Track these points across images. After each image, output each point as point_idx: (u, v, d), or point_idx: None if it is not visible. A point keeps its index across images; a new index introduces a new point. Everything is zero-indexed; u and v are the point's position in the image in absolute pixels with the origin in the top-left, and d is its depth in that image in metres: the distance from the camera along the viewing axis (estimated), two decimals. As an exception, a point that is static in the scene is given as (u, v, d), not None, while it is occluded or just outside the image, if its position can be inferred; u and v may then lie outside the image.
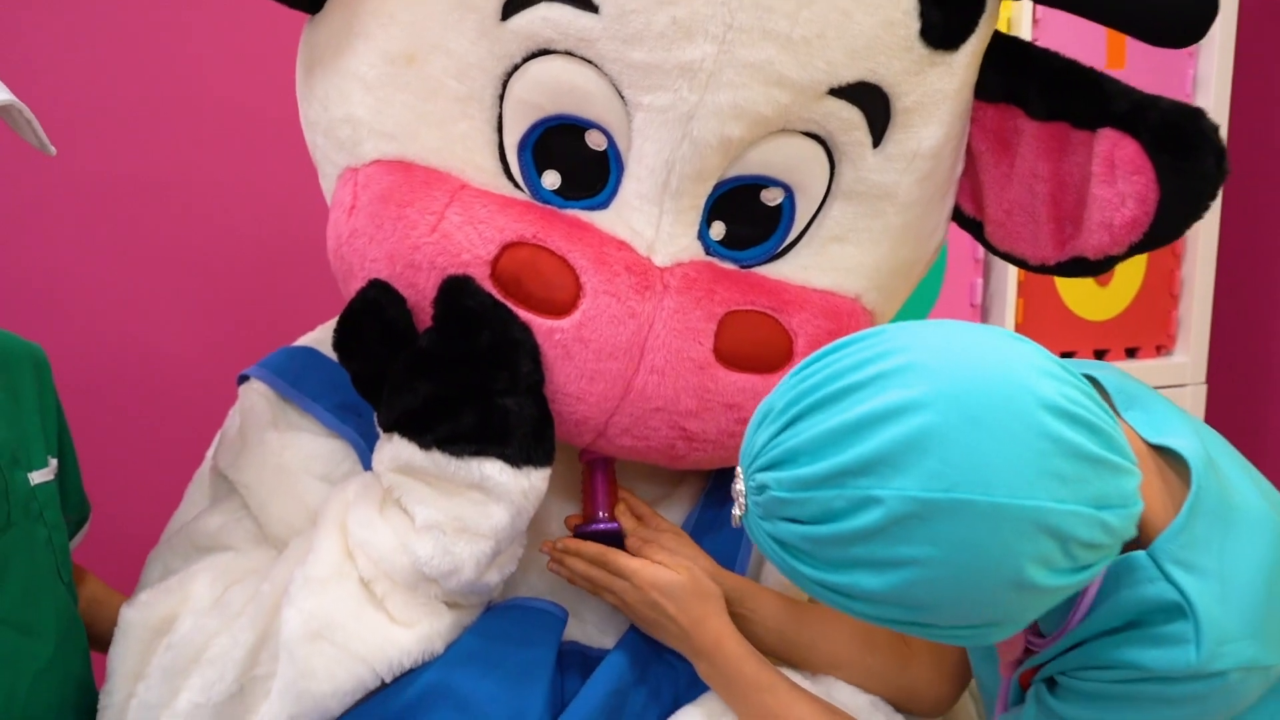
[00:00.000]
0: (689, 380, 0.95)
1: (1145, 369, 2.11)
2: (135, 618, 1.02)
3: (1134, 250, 1.01)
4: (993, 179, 1.09)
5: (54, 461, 1.06)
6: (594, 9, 0.90)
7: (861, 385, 0.70)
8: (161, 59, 1.56)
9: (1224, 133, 2.01)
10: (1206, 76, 2.10)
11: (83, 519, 1.16)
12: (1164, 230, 0.99)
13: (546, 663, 0.97)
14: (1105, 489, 0.71)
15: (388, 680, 0.94)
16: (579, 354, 0.94)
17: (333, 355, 1.03)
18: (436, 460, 0.93)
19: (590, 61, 0.93)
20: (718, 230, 0.99)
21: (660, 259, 0.96)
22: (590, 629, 1.05)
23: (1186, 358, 2.17)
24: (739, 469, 0.77)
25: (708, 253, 0.99)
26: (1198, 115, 0.97)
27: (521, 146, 0.97)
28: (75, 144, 1.52)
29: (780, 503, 0.72)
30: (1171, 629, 0.78)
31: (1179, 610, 0.78)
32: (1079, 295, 2.06)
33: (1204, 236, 2.12)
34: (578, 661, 1.01)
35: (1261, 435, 2.44)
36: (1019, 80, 1.05)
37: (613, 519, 1.02)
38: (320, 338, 1.15)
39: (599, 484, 1.03)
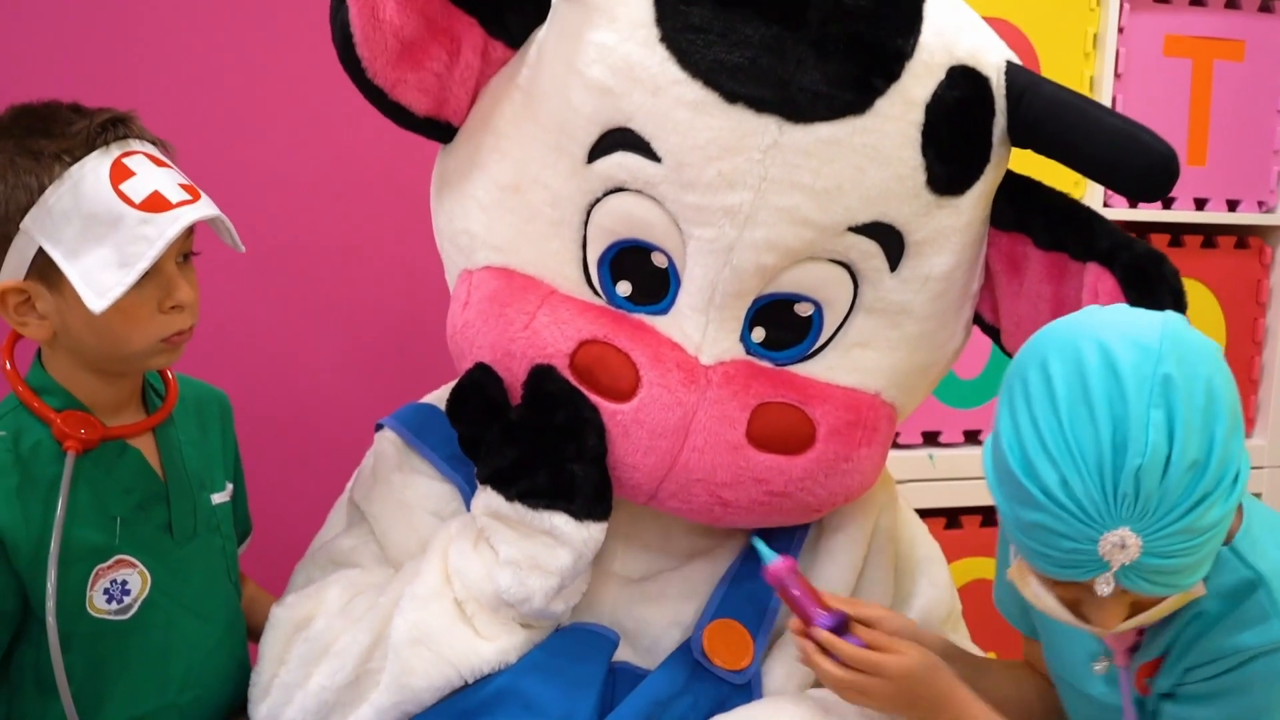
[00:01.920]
0: (725, 458, 1.12)
1: None
2: (282, 615, 1.22)
3: (1116, 367, 1.16)
4: (1005, 294, 1.23)
5: (230, 486, 1.28)
6: (658, 159, 1.08)
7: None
8: (332, 142, 1.79)
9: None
10: None
11: (246, 533, 1.37)
12: None
13: (598, 675, 1.15)
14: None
15: (470, 681, 1.12)
16: (636, 433, 1.12)
17: None
18: (517, 510, 1.12)
19: (655, 199, 1.11)
20: (758, 334, 1.16)
21: (706, 359, 1.13)
22: (642, 653, 1.21)
23: (1264, 441, 2.21)
24: (1120, 535, 0.84)
25: (748, 353, 1.15)
26: (1160, 260, 1.11)
27: (600, 262, 1.15)
28: (257, 217, 1.79)
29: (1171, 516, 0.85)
30: (1251, 604, 0.93)
31: (1253, 585, 0.93)
32: None
33: None
34: (629, 678, 1.17)
35: None
36: (1027, 213, 1.19)
37: (832, 610, 1.08)
38: (440, 396, 1.33)
39: (801, 587, 1.09)
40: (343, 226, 1.83)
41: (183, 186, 1.08)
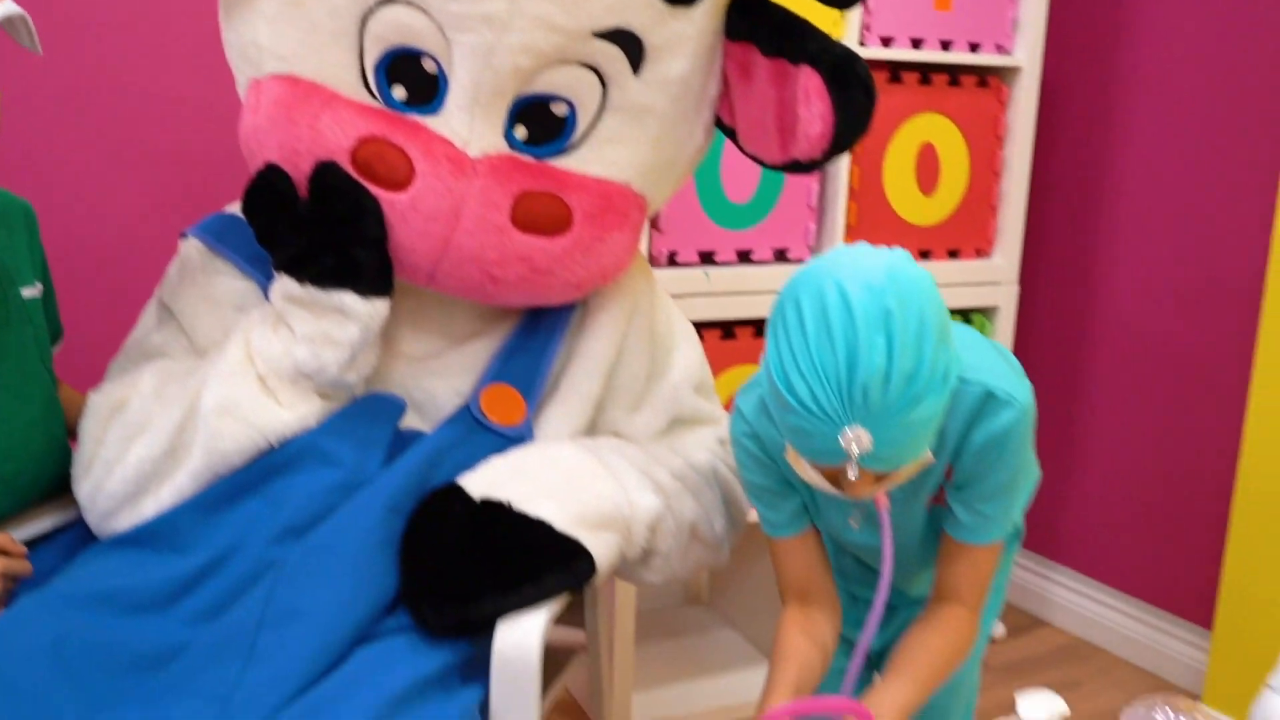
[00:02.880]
0: (492, 239, 1.27)
1: (966, 269, 2.39)
2: (99, 400, 1.34)
3: (827, 156, 1.34)
4: (739, 98, 1.40)
5: (39, 285, 1.36)
6: None
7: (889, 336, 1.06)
8: None
9: (1038, 70, 2.35)
10: (1025, 19, 2.35)
11: (58, 334, 1.46)
12: (843, 141, 1.31)
13: (386, 435, 1.31)
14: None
15: (275, 444, 1.27)
16: (412, 218, 1.26)
17: None
18: (309, 291, 1.26)
19: (422, 9, 1.23)
20: (520, 132, 1.31)
21: (473, 152, 1.27)
22: (429, 421, 1.37)
23: (1003, 260, 2.43)
24: (849, 431, 1.05)
25: (511, 148, 1.30)
26: (854, 59, 1.29)
27: (376, 68, 1.28)
28: (68, 51, 1.85)
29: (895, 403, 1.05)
30: (990, 406, 1.18)
31: (985, 394, 1.18)
32: (907, 202, 2.30)
33: (1018, 157, 2.38)
34: (414, 439, 1.33)
35: (1062, 320, 2.74)
36: (754, 25, 1.35)
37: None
38: (237, 208, 1.42)
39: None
40: (150, 59, 1.91)
41: None
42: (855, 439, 1.06)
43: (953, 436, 1.21)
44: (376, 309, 1.28)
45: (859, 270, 1.08)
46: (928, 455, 1.14)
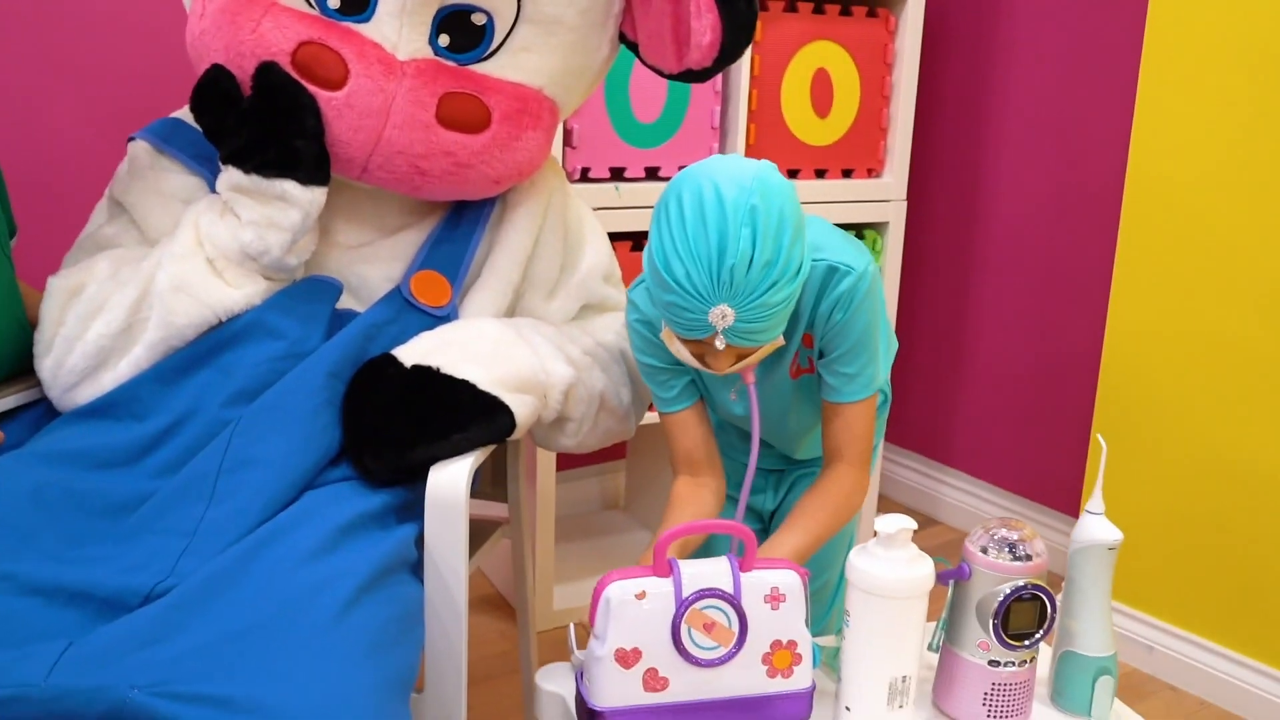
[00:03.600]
0: (419, 134, 1.41)
1: (859, 187, 2.56)
2: (58, 284, 1.44)
3: (718, 64, 1.50)
4: (639, 14, 1.54)
5: None
6: None
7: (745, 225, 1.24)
8: None
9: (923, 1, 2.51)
10: None
11: (13, 231, 1.54)
12: (730, 50, 1.47)
13: (325, 312, 1.44)
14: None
15: (224, 320, 1.40)
16: (347, 115, 1.39)
17: (194, 123, 1.45)
18: (254, 180, 1.38)
19: None
20: (444, 40, 1.44)
21: (401, 55, 1.41)
22: (364, 303, 1.50)
23: (892, 179, 2.61)
24: (715, 310, 1.24)
25: (436, 54, 1.44)
26: None
27: None
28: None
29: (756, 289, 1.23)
30: (835, 277, 1.36)
31: (830, 270, 1.36)
32: (802, 123, 2.45)
33: (905, 82, 2.55)
34: (350, 317, 1.46)
35: (948, 234, 2.96)
36: None
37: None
38: (183, 112, 1.57)
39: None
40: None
41: None
42: (721, 315, 1.24)
43: (806, 309, 1.40)
44: (315, 196, 1.41)
45: (732, 173, 1.26)
46: (779, 339, 1.33)
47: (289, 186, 1.39)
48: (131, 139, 1.59)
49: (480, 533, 1.75)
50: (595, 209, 2.18)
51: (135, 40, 2.10)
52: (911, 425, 3.13)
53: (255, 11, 1.40)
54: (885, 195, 2.63)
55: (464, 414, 1.36)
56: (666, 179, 2.34)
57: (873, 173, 2.63)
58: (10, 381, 1.49)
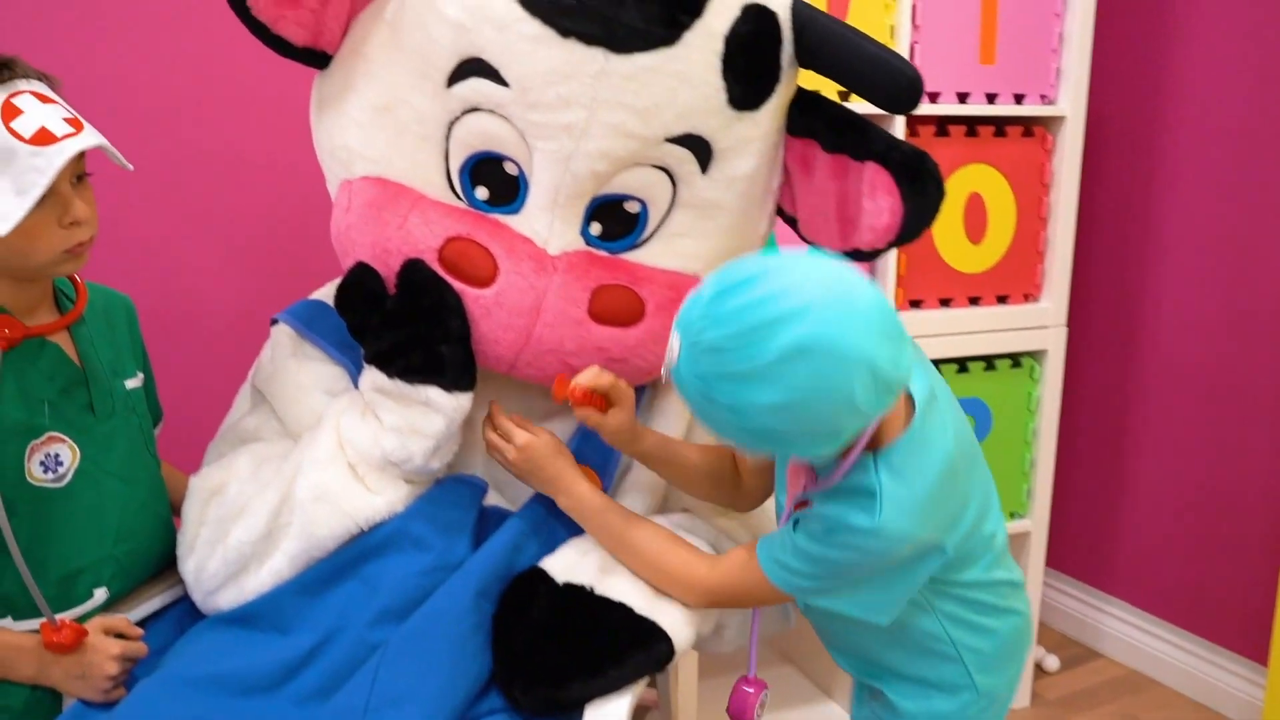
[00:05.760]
0: (571, 331, 1.34)
1: (1015, 314, 2.41)
2: (199, 484, 1.42)
3: (890, 246, 1.39)
4: (800, 190, 1.46)
5: (141, 375, 1.45)
6: (506, 85, 1.28)
7: (761, 274, 1.05)
8: (213, 63, 1.95)
9: (1082, 118, 2.39)
10: (1069, 69, 2.38)
11: (158, 419, 1.55)
12: (909, 233, 1.37)
13: (470, 518, 1.38)
14: (897, 352, 1.05)
15: (365, 529, 1.34)
16: (497, 313, 1.33)
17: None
18: (398, 385, 1.33)
19: (505, 118, 1.30)
20: (596, 229, 1.37)
21: (552, 250, 1.34)
22: (510, 499, 1.45)
23: (1050, 304, 2.45)
24: (674, 334, 1.08)
25: (587, 244, 1.37)
26: (924, 156, 1.34)
27: (461, 170, 1.35)
28: (156, 131, 1.93)
29: (712, 347, 1.04)
30: (865, 502, 1.18)
31: (873, 494, 1.18)
32: (955, 251, 2.33)
33: (1065, 203, 2.40)
34: (499, 518, 1.40)
35: (1110, 359, 2.79)
36: (814, 122, 1.42)
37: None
38: (326, 293, 1.53)
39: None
40: (228, 138, 1.99)
41: (67, 120, 1.23)
42: (672, 342, 1.09)
43: (822, 477, 1.23)
44: (460, 403, 1.35)
45: (837, 288, 1.06)
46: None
47: (433, 393, 1.33)
48: (274, 321, 1.55)
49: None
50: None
51: (285, 216, 2.08)
52: (1072, 550, 2.96)
53: (401, 206, 1.35)
54: (1043, 321, 2.48)
55: (620, 644, 1.27)
56: (813, 315, 2.24)
57: (1029, 298, 2.48)
58: (157, 578, 1.47)
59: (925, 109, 2.27)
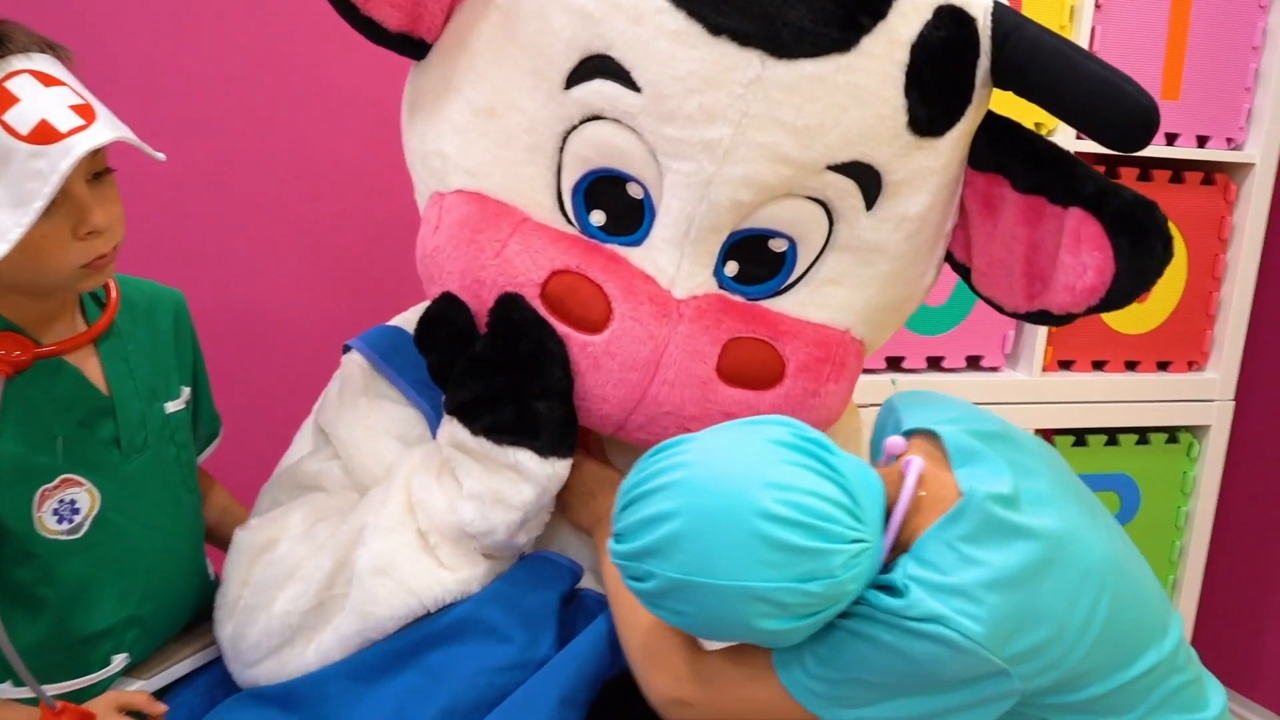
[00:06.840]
0: (694, 392, 1.12)
1: (1176, 384, 2.21)
2: (245, 539, 1.23)
3: (1090, 311, 1.14)
4: (979, 235, 1.23)
5: (187, 391, 1.25)
6: (637, 89, 1.06)
7: (654, 491, 0.96)
8: (300, 54, 1.78)
9: (1274, 168, 2.10)
10: (1262, 110, 2.14)
11: (214, 434, 1.35)
12: (1118, 298, 1.12)
13: (554, 604, 1.16)
14: (809, 568, 0.93)
15: (432, 610, 1.13)
16: (607, 365, 1.11)
17: None
18: (482, 444, 1.12)
19: (632, 129, 1.09)
20: (732, 269, 1.15)
21: (678, 292, 1.12)
22: (604, 586, 1.20)
23: (1217, 375, 2.23)
24: None
25: (721, 286, 1.15)
26: (1152, 207, 1.10)
27: (575, 190, 1.14)
28: (225, 127, 1.77)
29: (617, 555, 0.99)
30: (887, 601, 0.96)
31: (893, 590, 0.97)
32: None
33: (1245, 262, 2.18)
34: (594, 604, 1.19)
35: (1271, 447, 2.54)
36: (1007, 156, 1.18)
37: None
38: (408, 319, 1.33)
39: None
40: (311, 139, 1.81)
41: (74, 109, 1.00)
42: None
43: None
44: (556, 470, 1.14)
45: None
46: None
47: (524, 457, 1.12)
48: (347, 348, 1.36)
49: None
50: (865, 406, 1.85)
51: (368, 193, 1.88)
52: (1213, 650, 2.67)
53: (501, 229, 1.14)
54: (1208, 394, 2.26)
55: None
56: (950, 370, 2.01)
57: (1194, 366, 2.27)
58: (186, 635, 1.28)
59: (1090, 145, 2.00)
